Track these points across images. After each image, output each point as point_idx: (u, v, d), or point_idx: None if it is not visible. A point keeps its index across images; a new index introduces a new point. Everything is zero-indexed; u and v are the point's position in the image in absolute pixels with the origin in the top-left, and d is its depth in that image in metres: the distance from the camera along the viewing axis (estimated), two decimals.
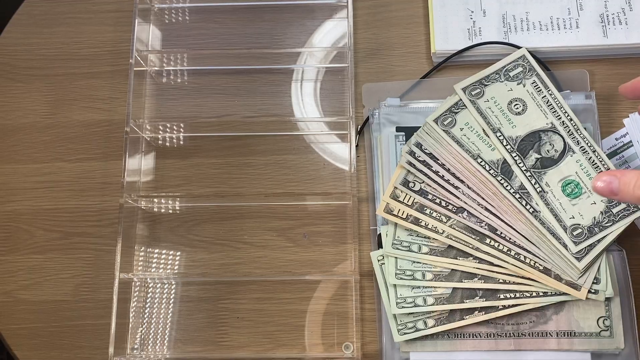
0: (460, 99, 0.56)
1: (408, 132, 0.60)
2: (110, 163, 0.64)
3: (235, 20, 0.67)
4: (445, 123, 0.55)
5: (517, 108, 0.55)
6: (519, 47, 0.62)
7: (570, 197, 0.53)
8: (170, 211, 0.62)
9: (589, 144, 0.54)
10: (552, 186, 0.53)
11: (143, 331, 0.59)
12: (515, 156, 0.54)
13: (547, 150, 0.54)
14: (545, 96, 0.56)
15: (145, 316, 0.59)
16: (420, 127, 0.60)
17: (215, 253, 0.61)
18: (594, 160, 0.54)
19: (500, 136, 0.54)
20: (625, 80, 0.62)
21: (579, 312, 0.54)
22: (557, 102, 0.55)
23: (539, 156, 0.54)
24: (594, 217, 0.53)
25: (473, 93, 0.55)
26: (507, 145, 0.54)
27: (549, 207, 0.53)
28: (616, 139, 0.60)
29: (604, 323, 0.54)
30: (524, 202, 0.53)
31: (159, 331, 0.59)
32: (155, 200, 0.61)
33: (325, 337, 0.58)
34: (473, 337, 0.54)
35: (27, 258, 0.61)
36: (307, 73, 0.66)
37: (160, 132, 0.64)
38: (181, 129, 0.64)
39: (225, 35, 0.67)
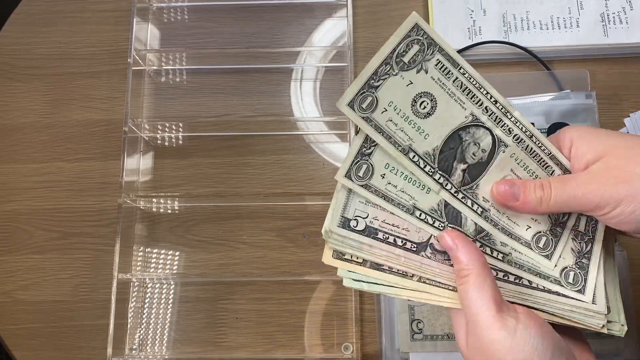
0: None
1: None
2: (109, 163, 0.63)
3: (234, 20, 0.67)
4: (363, 106, 0.38)
5: (425, 107, 0.39)
6: (519, 47, 0.62)
7: None
8: (169, 211, 0.62)
9: (523, 129, 0.41)
10: (491, 199, 0.42)
11: (142, 331, 0.59)
12: (439, 178, 0.40)
13: (473, 154, 0.41)
14: (457, 78, 0.40)
15: (144, 316, 0.59)
16: None
17: (214, 253, 0.61)
18: (531, 149, 0.41)
19: (414, 157, 0.40)
20: (626, 80, 0.62)
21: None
22: (474, 82, 0.40)
23: (464, 166, 0.41)
24: (550, 216, 0.43)
25: (364, 106, 0.38)
26: (425, 166, 0.40)
27: (498, 227, 0.42)
28: None
29: None
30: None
31: (158, 331, 0.59)
32: (154, 200, 0.61)
33: (325, 337, 0.58)
34: None
35: (26, 258, 0.61)
36: (306, 72, 0.65)
37: (158, 131, 0.64)
38: (180, 129, 0.64)
39: (224, 34, 0.67)
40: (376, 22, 0.66)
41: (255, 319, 0.59)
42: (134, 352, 0.58)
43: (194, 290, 0.60)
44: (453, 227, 0.41)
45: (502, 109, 0.41)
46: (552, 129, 0.58)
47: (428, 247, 0.41)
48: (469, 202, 0.41)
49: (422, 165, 0.40)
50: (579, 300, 0.42)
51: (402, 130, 0.39)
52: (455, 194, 0.41)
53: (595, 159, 0.38)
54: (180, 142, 0.64)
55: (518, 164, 0.41)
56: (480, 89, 0.40)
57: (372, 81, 0.38)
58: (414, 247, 0.41)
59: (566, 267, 0.43)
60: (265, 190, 0.62)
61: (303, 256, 0.60)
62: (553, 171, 0.42)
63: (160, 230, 0.61)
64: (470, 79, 0.40)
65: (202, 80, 0.65)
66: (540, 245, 0.42)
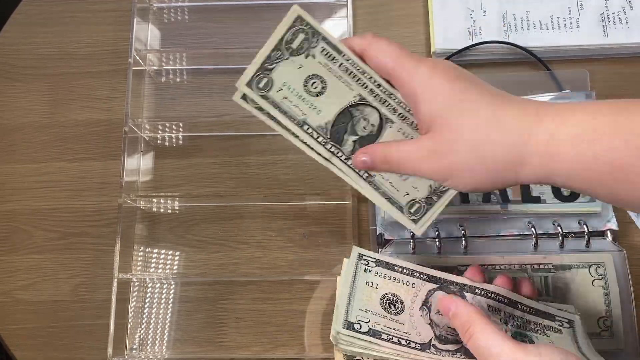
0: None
1: None
2: (109, 163, 0.63)
3: (234, 20, 0.67)
4: (260, 86, 0.44)
5: (316, 87, 0.45)
6: (519, 47, 0.62)
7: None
8: (169, 211, 0.62)
9: (406, 109, 0.45)
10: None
11: (142, 331, 0.59)
12: (331, 148, 0.45)
13: (364, 127, 0.46)
14: (342, 64, 0.44)
15: (144, 316, 0.59)
16: None
17: (214, 253, 0.61)
18: (416, 125, 0.45)
19: (308, 129, 0.45)
20: (626, 80, 0.62)
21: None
22: (358, 68, 0.44)
23: (356, 137, 0.46)
24: (430, 185, 0.46)
25: (260, 86, 0.44)
26: (318, 137, 0.45)
27: (380, 191, 0.46)
28: None
29: (604, 323, 0.54)
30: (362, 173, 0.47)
31: (158, 331, 0.59)
32: (154, 200, 0.61)
33: (325, 337, 0.58)
34: None
35: (26, 258, 0.61)
36: None
37: (159, 131, 0.64)
38: (180, 129, 0.64)
39: (224, 34, 0.67)
40: (376, 23, 0.66)
41: (255, 318, 0.59)
42: (134, 352, 0.58)
43: (194, 290, 0.60)
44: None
45: (385, 91, 0.45)
46: None
47: (431, 347, 0.45)
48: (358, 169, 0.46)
49: (315, 136, 0.45)
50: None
51: (296, 107, 0.45)
52: (346, 161, 0.46)
53: (428, 128, 0.41)
54: (180, 142, 0.64)
55: (405, 136, 0.46)
56: (364, 74, 0.45)
57: (267, 65, 0.44)
58: (418, 346, 0.45)
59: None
60: (265, 190, 0.62)
61: (303, 256, 0.60)
62: None
63: (160, 230, 0.61)
64: (353, 64, 0.45)
65: (202, 80, 0.65)
66: (412, 211, 0.47)
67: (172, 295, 0.60)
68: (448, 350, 0.45)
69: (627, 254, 0.55)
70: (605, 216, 0.57)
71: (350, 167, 0.46)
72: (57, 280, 0.61)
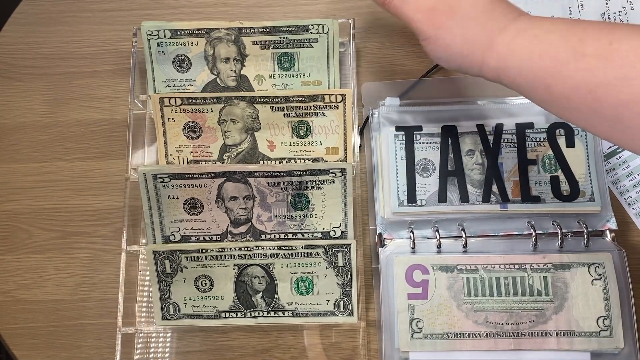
0: None
1: (408, 131, 0.60)
2: (109, 162, 0.63)
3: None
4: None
5: (205, 288, 0.57)
6: None
7: None
8: None
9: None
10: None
11: (142, 332, 0.59)
12: (251, 314, 0.57)
13: (259, 283, 0.57)
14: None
15: (147, 316, 0.59)
16: (420, 126, 0.60)
17: None
18: None
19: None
20: None
21: (578, 312, 0.54)
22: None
23: (260, 293, 0.57)
24: (337, 282, 0.56)
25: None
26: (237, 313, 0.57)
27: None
28: None
29: (603, 323, 0.54)
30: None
31: (159, 332, 0.59)
32: None
33: (325, 337, 0.58)
34: (472, 336, 0.54)
35: (26, 257, 0.61)
36: None
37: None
38: None
39: None
40: (377, 22, 0.66)
41: None
42: (137, 351, 0.58)
43: None
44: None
45: (253, 248, 0.56)
46: (552, 129, 0.58)
47: (228, 235, 0.57)
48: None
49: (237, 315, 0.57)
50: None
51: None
52: (269, 314, 0.57)
53: None
54: None
55: None
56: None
57: None
58: (218, 238, 0.57)
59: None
60: None
61: None
62: None
63: None
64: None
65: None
66: (341, 308, 0.56)
67: None
68: (241, 233, 0.57)
69: (626, 253, 0.55)
70: (604, 216, 0.57)
71: (275, 316, 0.57)
72: (57, 279, 0.61)
